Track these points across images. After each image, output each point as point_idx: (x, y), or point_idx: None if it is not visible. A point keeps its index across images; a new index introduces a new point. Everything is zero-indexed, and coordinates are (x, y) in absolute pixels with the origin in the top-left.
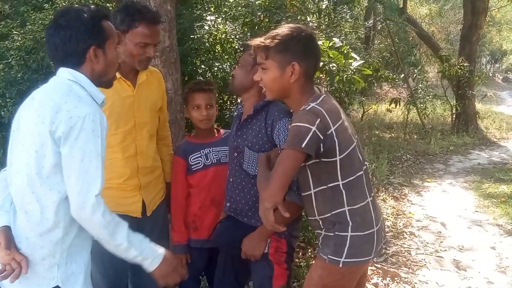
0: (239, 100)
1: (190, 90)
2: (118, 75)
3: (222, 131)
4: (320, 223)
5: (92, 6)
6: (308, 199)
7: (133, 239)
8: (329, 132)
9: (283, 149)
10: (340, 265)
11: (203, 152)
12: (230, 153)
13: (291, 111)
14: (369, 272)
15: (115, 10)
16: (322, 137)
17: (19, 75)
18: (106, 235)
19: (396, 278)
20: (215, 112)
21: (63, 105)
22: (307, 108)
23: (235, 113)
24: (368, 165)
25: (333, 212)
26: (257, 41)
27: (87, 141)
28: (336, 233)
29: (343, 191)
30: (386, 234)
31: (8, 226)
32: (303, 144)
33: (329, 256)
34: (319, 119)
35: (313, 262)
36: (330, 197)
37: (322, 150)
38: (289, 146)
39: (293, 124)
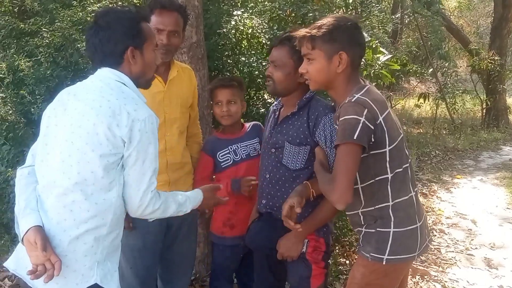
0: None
1: (213, 86)
2: None
3: (246, 124)
4: (362, 218)
5: (132, 8)
6: (355, 194)
7: (181, 201)
8: (378, 121)
9: (337, 146)
10: (384, 263)
11: (231, 148)
12: (265, 149)
13: (333, 104)
14: None
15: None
16: (372, 127)
17: (48, 72)
18: (159, 215)
19: (425, 277)
20: (239, 108)
21: (122, 107)
22: (352, 100)
23: (273, 108)
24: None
25: (377, 206)
26: (303, 31)
27: (149, 143)
28: (377, 229)
29: (389, 184)
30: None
31: (40, 226)
32: (355, 136)
33: (371, 254)
34: (366, 109)
35: (342, 260)
36: (376, 191)
37: (373, 140)
38: (341, 140)
39: (341, 118)
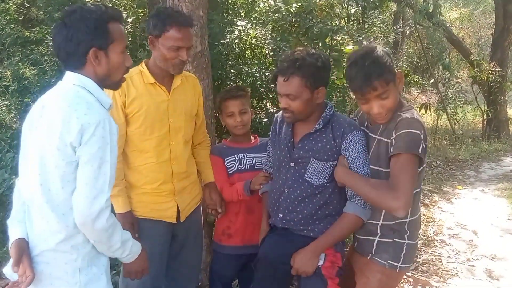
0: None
1: (222, 98)
2: (152, 80)
3: (258, 138)
4: (379, 228)
5: (102, 7)
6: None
7: (125, 238)
8: (427, 142)
9: (399, 154)
10: (397, 270)
11: (237, 156)
12: (283, 163)
13: (355, 118)
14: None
15: (149, 16)
16: (425, 146)
17: (53, 80)
18: (105, 238)
19: (427, 287)
20: (250, 116)
21: (72, 113)
22: (414, 117)
23: (281, 118)
24: None
25: (397, 221)
26: (373, 77)
27: (98, 147)
28: (394, 239)
29: (413, 201)
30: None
31: (22, 238)
32: (420, 149)
33: (388, 261)
34: (423, 129)
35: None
36: None
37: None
38: (406, 150)
39: (405, 131)
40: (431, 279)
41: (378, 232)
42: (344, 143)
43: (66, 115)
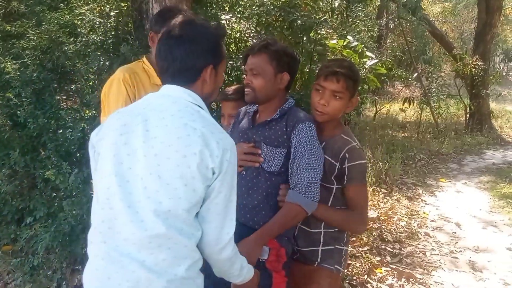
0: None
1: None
2: (159, 81)
3: None
4: (322, 236)
5: (213, 23)
6: None
7: (243, 264)
8: None
9: (359, 185)
10: (340, 274)
11: None
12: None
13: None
14: (384, 273)
15: (155, 14)
16: None
17: (34, 75)
18: (227, 266)
19: (411, 279)
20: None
21: (210, 136)
22: (359, 145)
23: (245, 110)
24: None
25: (337, 229)
26: (343, 70)
27: (232, 175)
28: (336, 246)
29: None
30: (401, 234)
31: None
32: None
33: (335, 266)
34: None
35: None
36: None
37: None
38: (361, 181)
39: (358, 162)
40: (415, 271)
41: (321, 240)
42: (294, 132)
43: (206, 137)
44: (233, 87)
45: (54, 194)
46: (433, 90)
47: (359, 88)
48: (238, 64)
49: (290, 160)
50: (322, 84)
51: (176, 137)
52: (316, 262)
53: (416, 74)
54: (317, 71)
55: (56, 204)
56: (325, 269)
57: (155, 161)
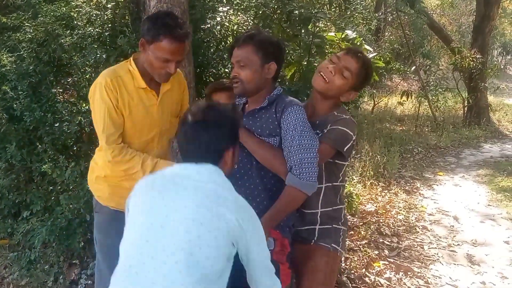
0: None
1: (208, 91)
2: (144, 84)
3: None
4: (318, 216)
5: (231, 107)
6: (317, 192)
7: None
8: (355, 142)
9: (323, 143)
10: (338, 254)
11: None
12: None
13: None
14: (382, 267)
15: (146, 18)
16: (352, 146)
17: (30, 68)
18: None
19: (409, 273)
20: None
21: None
22: (352, 119)
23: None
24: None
25: (333, 208)
26: (361, 54)
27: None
28: (333, 225)
29: (340, 192)
30: (399, 228)
31: None
32: (345, 148)
33: (332, 245)
34: (355, 130)
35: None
36: (334, 194)
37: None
38: (328, 142)
39: (339, 127)
40: (413, 265)
41: (318, 220)
42: (283, 116)
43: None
44: (224, 80)
45: (51, 188)
46: (431, 83)
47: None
48: None
49: (282, 144)
50: (341, 56)
51: (225, 206)
52: (313, 241)
53: (414, 67)
54: (315, 64)
55: (53, 198)
56: (322, 247)
57: (194, 209)
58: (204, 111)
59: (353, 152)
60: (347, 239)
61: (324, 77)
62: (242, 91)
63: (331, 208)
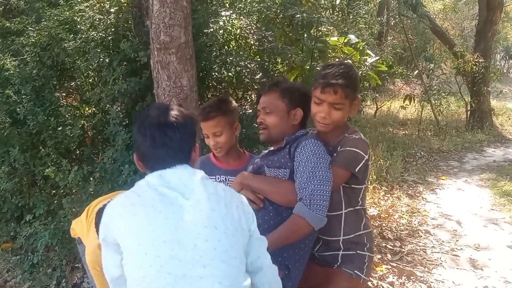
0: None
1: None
2: None
3: (249, 156)
4: (341, 243)
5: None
6: (338, 219)
7: None
8: (369, 162)
9: (335, 167)
10: (361, 281)
11: (218, 178)
12: None
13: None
14: (384, 271)
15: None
16: (366, 166)
17: (34, 72)
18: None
19: (411, 277)
20: (229, 136)
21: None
22: (361, 137)
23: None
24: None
25: (356, 234)
26: (339, 80)
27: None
28: (358, 251)
29: (363, 215)
30: (401, 232)
31: None
32: (357, 169)
33: (355, 271)
34: (368, 149)
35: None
36: (355, 219)
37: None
38: (339, 165)
39: (349, 148)
40: (416, 269)
41: (341, 247)
42: (297, 150)
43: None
44: (207, 105)
45: (54, 191)
46: (434, 87)
47: (360, 85)
48: (238, 59)
49: (295, 177)
50: (320, 97)
51: (237, 211)
52: (336, 265)
53: (416, 72)
54: (317, 68)
55: (55, 202)
56: (344, 272)
57: (204, 215)
58: (167, 112)
59: (369, 173)
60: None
61: (322, 124)
62: (268, 137)
63: (353, 235)
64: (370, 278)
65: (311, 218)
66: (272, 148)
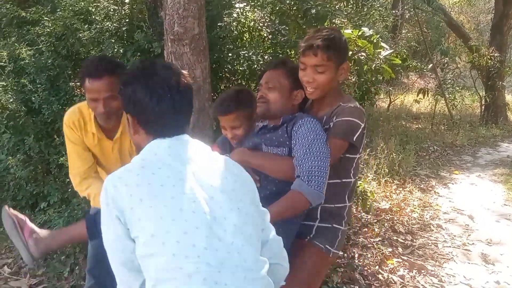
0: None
1: (213, 113)
2: (95, 130)
3: None
4: (319, 213)
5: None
6: None
7: None
8: (365, 131)
9: (332, 138)
10: (330, 255)
11: None
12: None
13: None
14: (395, 264)
15: None
16: (362, 134)
17: (49, 61)
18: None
19: (422, 271)
20: (246, 130)
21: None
22: (357, 106)
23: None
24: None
25: (337, 205)
26: (319, 41)
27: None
28: (333, 225)
29: (349, 188)
30: (413, 226)
31: None
32: (355, 137)
33: (326, 245)
34: (364, 117)
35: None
36: (339, 191)
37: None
38: (337, 136)
39: (345, 118)
40: (427, 263)
41: (318, 216)
42: (295, 128)
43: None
44: (225, 97)
45: (68, 180)
46: (448, 81)
47: (373, 78)
48: (250, 54)
49: (293, 154)
50: (302, 61)
51: (244, 184)
52: (308, 237)
53: (431, 65)
54: None
55: (69, 190)
56: (315, 246)
57: (229, 195)
58: (180, 73)
59: (364, 142)
60: (360, 236)
61: (309, 89)
62: (266, 111)
63: (334, 205)
64: (381, 271)
65: (309, 194)
66: (266, 124)
